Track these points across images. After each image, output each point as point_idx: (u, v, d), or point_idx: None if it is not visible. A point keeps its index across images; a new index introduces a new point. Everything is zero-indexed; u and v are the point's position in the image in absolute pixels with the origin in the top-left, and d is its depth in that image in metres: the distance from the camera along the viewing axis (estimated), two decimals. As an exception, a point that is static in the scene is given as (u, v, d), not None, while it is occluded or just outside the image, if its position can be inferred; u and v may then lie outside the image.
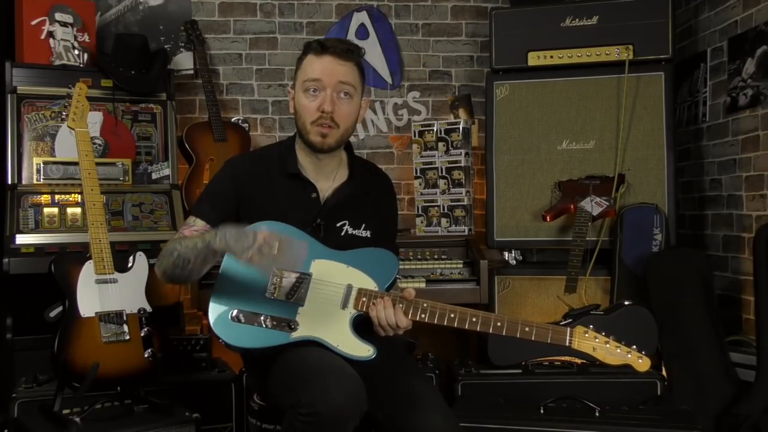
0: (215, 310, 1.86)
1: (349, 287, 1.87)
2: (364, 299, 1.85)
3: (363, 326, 1.87)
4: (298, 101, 1.97)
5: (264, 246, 1.71)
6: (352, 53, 1.95)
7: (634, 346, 1.83)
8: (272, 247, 1.72)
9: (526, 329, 1.81)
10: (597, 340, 1.81)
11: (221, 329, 1.84)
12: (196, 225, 1.96)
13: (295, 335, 1.82)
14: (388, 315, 1.81)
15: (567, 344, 1.81)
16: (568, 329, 1.81)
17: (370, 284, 1.88)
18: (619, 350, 1.81)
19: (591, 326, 1.83)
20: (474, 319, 1.82)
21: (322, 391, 1.63)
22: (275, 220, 1.94)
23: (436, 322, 1.82)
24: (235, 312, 1.85)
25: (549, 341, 1.81)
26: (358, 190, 2.04)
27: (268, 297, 1.86)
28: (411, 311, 1.82)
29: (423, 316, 1.83)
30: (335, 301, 1.86)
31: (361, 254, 1.94)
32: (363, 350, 1.82)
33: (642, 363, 1.82)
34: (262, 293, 1.86)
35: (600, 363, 1.83)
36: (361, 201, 2.05)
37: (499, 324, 1.81)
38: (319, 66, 1.92)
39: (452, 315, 1.82)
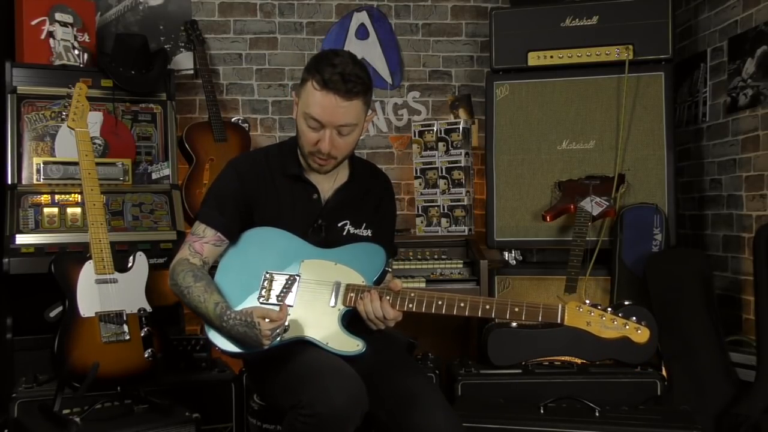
0: None
1: (338, 284, 1.89)
2: (351, 295, 1.86)
3: (355, 323, 1.88)
4: (299, 121, 1.92)
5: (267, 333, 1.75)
6: (356, 94, 1.85)
7: (633, 318, 1.76)
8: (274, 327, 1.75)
9: (516, 309, 1.78)
10: (592, 314, 1.76)
11: (216, 336, 1.86)
12: (206, 236, 1.95)
13: (286, 336, 1.83)
14: (375, 308, 1.81)
15: (559, 322, 1.76)
16: (560, 305, 1.77)
17: (358, 279, 1.90)
18: (615, 323, 1.75)
19: (587, 301, 1.78)
20: (462, 305, 1.81)
21: (322, 392, 1.63)
22: (276, 220, 1.96)
23: (424, 310, 1.82)
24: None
25: (540, 319, 1.77)
26: (358, 190, 2.05)
27: (260, 302, 1.88)
28: (398, 302, 1.83)
29: (410, 305, 1.82)
30: (324, 299, 1.88)
31: (348, 250, 1.95)
32: (352, 345, 1.83)
33: (640, 334, 1.74)
34: (255, 298, 1.89)
35: (596, 338, 1.76)
36: (362, 201, 2.05)
37: (487, 307, 1.80)
38: (320, 105, 1.84)
39: (440, 302, 1.82)
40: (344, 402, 1.63)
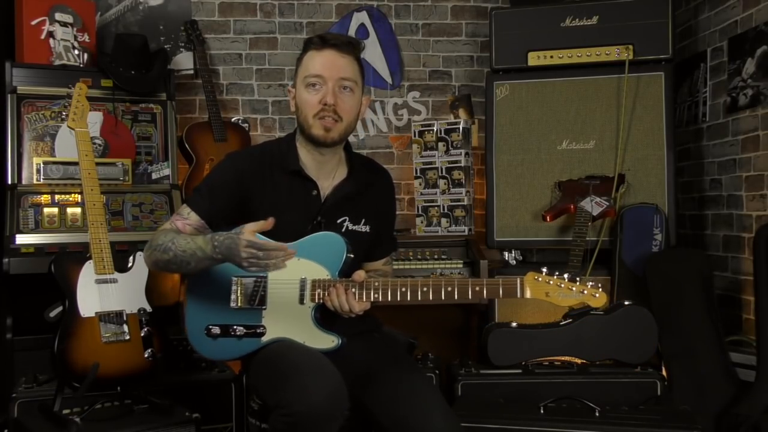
0: (191, 327, 1.91)
1: (303, 281, 1.90)
2: (319, 291, 1.88)
3: (330, 314, 1.90)
4: (299, 97, 1.97)
5: (255, 255, 1.74)
6: (352, 46, 1.97)
7: (590, 283, 1.79)
8: (261, 253, 1.74)
9: (477, 288, 1.82)
10: (550, 283, 1.79)
11: (199, 344, 1.90)
12: (190, 219, 1.95)
13: (265, 339, 1.86)
14: (341, 302, 1.84)
15: (519, 295, 1.80)
16: (518, 279, 1.81)
17: (322, 273, 1.90)
18: (573, 289, 1.78)
19: (544, 270, 1.80)
20: (425, 289, 1.84)
21: (300, 391, 1.64)
22: (275, 216, 1.94)
23: (389, 299, 1.85)
24: (208, 326, 1.90)
25: (501, 296, 1.81)
26: (357, 186, 2.05)
27: (233, 307, 1.90)
28: (364, 294, 1.85)
29: (376, 296, 1.85)
30: (294, 298, 1.89)
31: (307, 243, 1.93)
32: (327, 341, 1.86)
33: (598, 298, 1.78)
34: (229, 305, 1.90)
35: (556, 305, 1.79)
36: (361, 197, 2.06)
37: (449, 289, 1.83)
38: (319, 61, 1.93)
39: (403, 289, 1.85)
40: (322, 400, 1.63)
